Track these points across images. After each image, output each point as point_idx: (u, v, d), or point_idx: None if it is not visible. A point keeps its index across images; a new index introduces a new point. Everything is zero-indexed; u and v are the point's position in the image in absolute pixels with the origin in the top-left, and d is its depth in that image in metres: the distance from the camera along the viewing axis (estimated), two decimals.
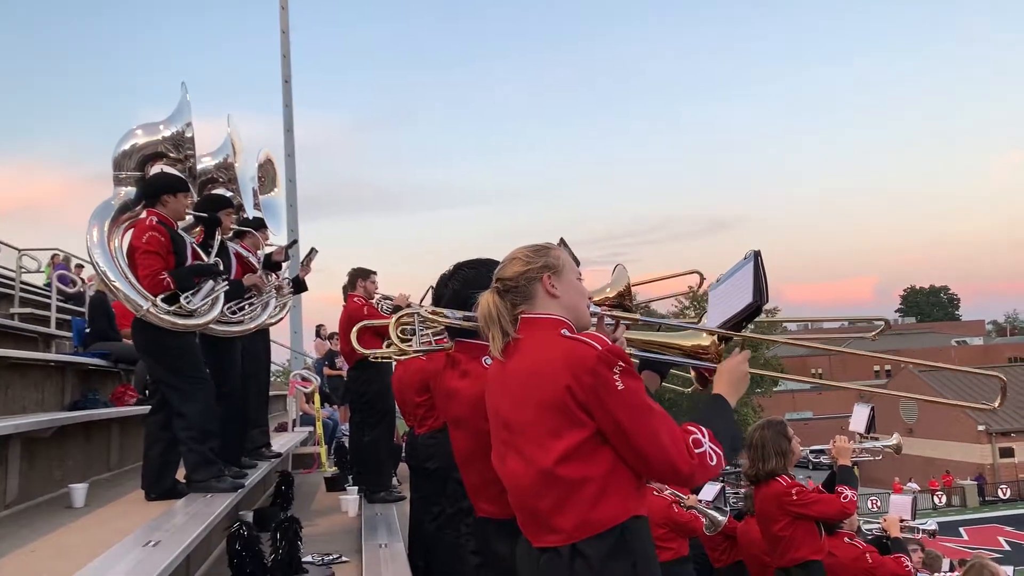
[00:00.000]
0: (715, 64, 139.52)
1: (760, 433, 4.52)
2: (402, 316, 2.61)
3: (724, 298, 2.27)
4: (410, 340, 2.67)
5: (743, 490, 5.98)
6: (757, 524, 4.71)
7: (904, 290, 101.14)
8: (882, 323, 2.75)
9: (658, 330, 2.49)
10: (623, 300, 2.47)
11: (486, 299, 2.17)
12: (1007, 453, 35.43)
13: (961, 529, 27.91)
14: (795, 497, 4.30)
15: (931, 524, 6.03)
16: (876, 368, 54.20)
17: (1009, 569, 4.78)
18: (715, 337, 2.34)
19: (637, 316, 2.39)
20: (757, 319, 2.29)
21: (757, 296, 2.13)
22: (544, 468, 1.96)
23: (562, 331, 2.07)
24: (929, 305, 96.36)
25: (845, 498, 4.34)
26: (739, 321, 2.20)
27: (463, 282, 2.67)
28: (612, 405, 1.92)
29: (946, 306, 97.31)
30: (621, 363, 1.95)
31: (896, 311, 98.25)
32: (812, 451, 5.06)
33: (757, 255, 2.18)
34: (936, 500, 32.48)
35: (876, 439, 5.25)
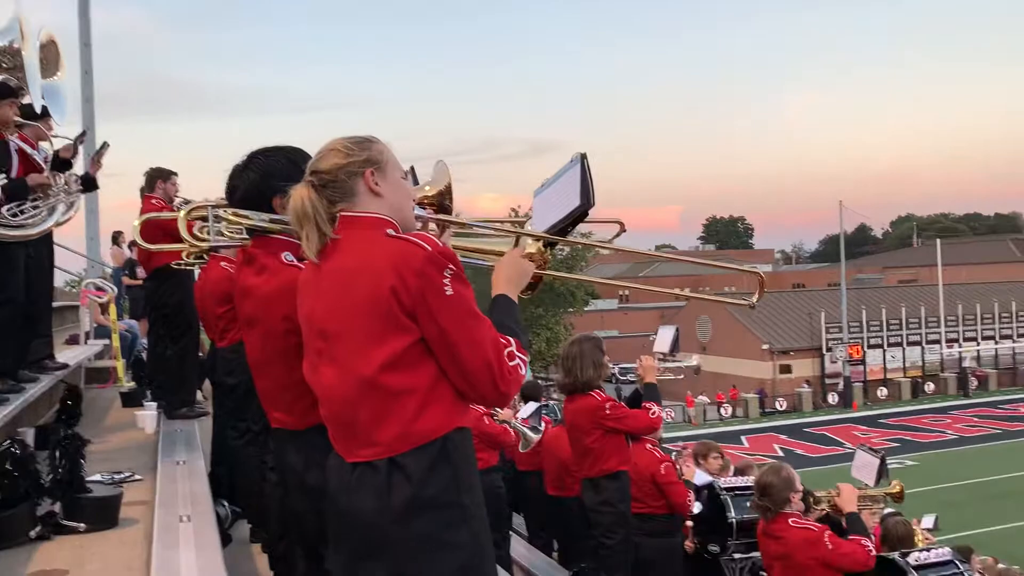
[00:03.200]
0: None
1: (579, 346, 4.64)
2: (193, 210, 2.34)
3: (550, 202, 2.18)
4: (205, 239, 2.41)
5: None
6: (568, 435, 4.86)
7: (706, 219, 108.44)
8: (617, 226, 2.75)
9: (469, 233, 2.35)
10: (443, 200, 2.29)
11: (299, 194, 1.93)
12: (786, 370, 39.23)
13: (743, 438, 30.89)
14: (608, 412, 4.46)
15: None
16: (677, 289, 57.83)
17: None
18: (540, 244, 2.24)
19: (464, 220, 2.27)
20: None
21: (584, 199, 2.05)
22: (364, 376, 1.82)
23: (387, 231, 1.89)
24: (728, 234, 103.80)
25: (653, 414, 4.56)
26: (565, 226, 2.13)
27: (261, 172, 2.39)
28: (439, 311, 1.80)
29: (742, 235, 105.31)
30: (452, 266, 1.82)
31: (698, 239, 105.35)
32: (620, 369, 5.24)
33: (583, 158, 2.09)
34: (723, 412, 35.60)
35: (679, 360, 5.53)
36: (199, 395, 6.56)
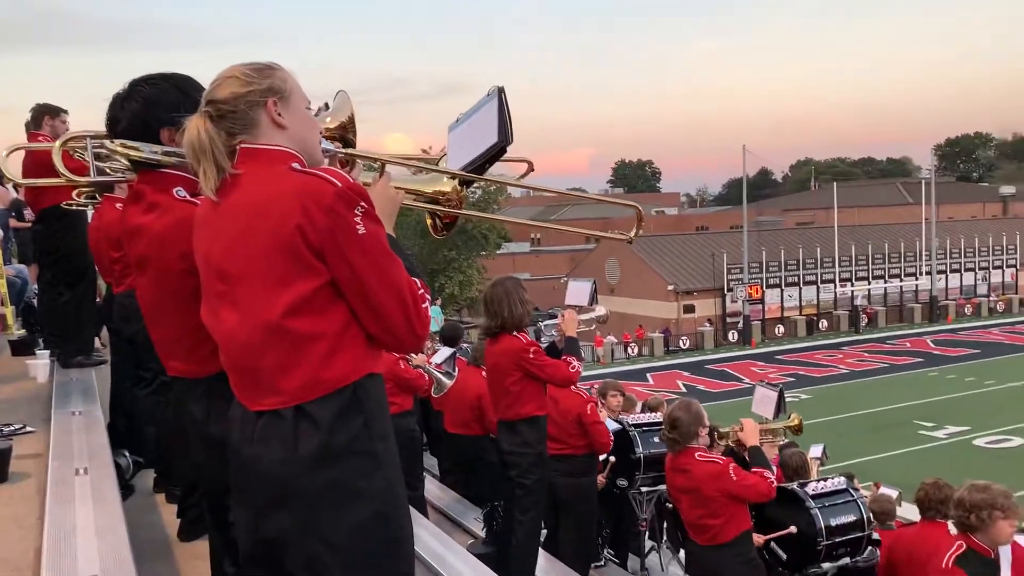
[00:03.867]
0: None
1: (503, 287, 4.60)
2: (70, 140, 2.15)
3: (465, 139, 2.09)
4: (85, 173, 2.23)
5: None
6: (488, 376, 4.83)
7: (615, 163, 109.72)
8: (525, 166, 2.65)
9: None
10: (346, 133, 2.12)
11: (195, 125, 1.78)
12: (689, 309, 40.38)
13: (648, 375, 31.87)
14: (532, 356, 4.44)
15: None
16: (581, 229, 58.44)
17: None
18: (456, 182, 2.14)
19: (377, 155, 2.13)
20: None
21: (502, 135, 1.96)
22: (269, 321, 1.71)
23: (292, 165, 1.76)
24: (636, 177, 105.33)
25: (572, 368, 4.56)
26: (483, 163, 2.05)
27: (145, 102, 2.22)
28: (350, 251, 1.69)
29: (649, 179, 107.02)
30: (363, 203, 1.71)
31: (608, 182, 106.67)
32: (545, 325, 5.19)
33: (501, 91, 1.98)
34: (630, 351, 36.54)
35: (592, 312, 5.53)
36: (96, 342, 6.28)
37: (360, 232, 1.70)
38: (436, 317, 20.44)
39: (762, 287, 40.47)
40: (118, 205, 3.85)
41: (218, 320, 1.83)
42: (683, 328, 39.35)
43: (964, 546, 3.62)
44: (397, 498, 1.80)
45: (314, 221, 1.68)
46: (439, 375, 5.84)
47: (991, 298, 44.91)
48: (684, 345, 37.81)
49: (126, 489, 4.03)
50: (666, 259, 41.75)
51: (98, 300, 6.45)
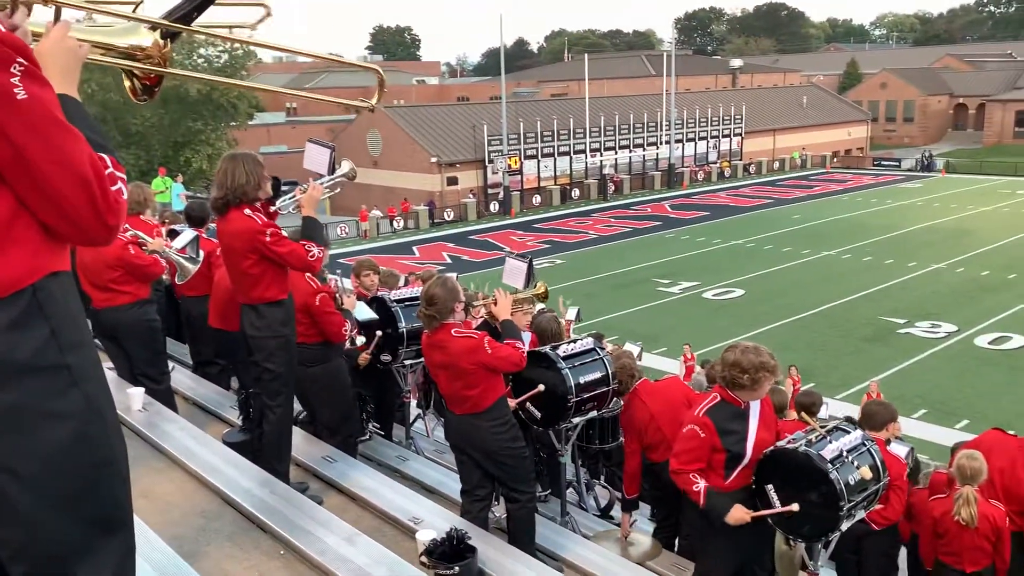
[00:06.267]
0: None
1: (231, 162, 4.16)
2: None
3: None
4: None
5: None
6: (223, 256, 4.48)
7: (373, 28, 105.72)
8: (263, 11, 2.35)
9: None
10: None
11: None
12: (453, 182, 40.73)
13: (414, 248, 32.15)
14: (269, 240, 4.08)
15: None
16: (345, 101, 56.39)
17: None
18: (158, 35, 1.81)
19: None
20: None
21: None
22: None
23: None
24: (395, 44, 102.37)
25: (312, 256, 4.22)
26: (190, 11, 1.74)
27: None
28: (7, 122, 1.37)
29: (409, 46, 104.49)
30: (22, 60, 1.38)
31: (366, 48, 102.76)
32: (282, 204, 4.72)
33: None
34: (395, 224, 36.46)
35: (336, 176, 5.20)
36: None
37: (19, 97, 1.38)
38: (181, 193, 18.99)
39: (520, 158, 41.58)
40: None
41: None
42: (447, 200, 39.74)
43: (718, 398, 3.97)
44: (101, 414, 1.58)
45: None
46: (182, 260, 5.37)
47: (718, 164, 49.47)
48: (448, 217, 38.32)
49: None
50: (428, 131, 41.45)
51: None
